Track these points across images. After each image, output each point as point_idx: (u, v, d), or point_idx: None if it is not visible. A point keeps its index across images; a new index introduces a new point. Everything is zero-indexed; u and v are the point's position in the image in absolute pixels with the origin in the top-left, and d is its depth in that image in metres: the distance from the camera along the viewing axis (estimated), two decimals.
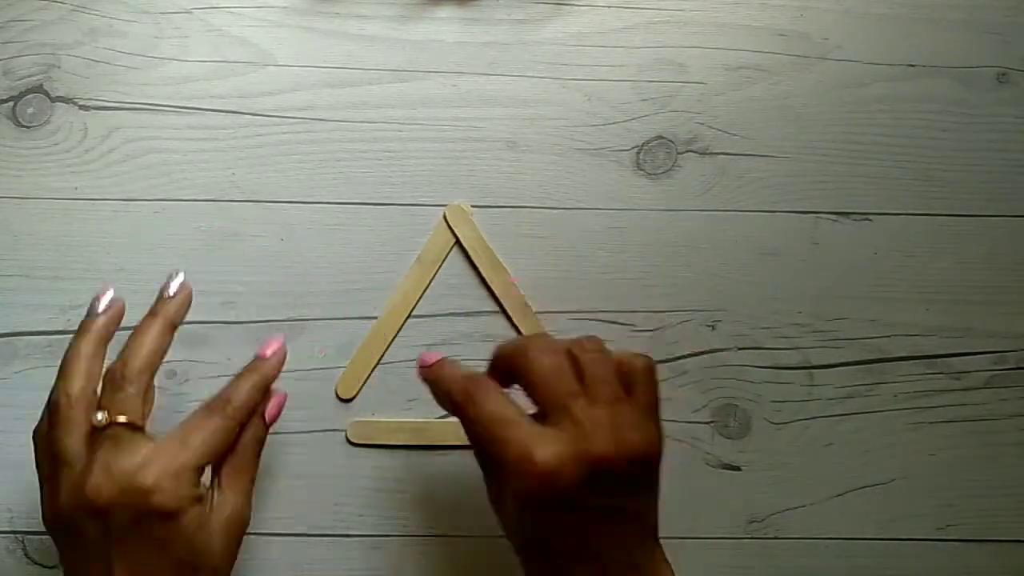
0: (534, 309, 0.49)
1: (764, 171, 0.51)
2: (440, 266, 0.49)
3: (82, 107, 0.50)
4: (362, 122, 0.50)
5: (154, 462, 0.36)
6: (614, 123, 0.51)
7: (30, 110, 0.50)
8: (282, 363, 0.42)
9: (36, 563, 0.46)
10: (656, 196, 0.50)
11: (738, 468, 0.48)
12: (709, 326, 0.49)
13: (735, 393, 0.49)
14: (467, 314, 0.49)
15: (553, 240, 0.50)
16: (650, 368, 0.38)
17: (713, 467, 0.48)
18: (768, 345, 0.49)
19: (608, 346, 0.39)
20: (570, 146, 0.50)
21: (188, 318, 0.48)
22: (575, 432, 0.35)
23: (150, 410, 0.40)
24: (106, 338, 0.40)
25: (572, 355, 0.38)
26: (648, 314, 0.49)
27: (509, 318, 0.49)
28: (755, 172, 0.51)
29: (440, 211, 0.50)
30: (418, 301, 0.49)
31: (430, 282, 0.49)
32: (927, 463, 0.49)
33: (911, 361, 0.49)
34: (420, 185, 0.50)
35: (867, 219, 0.50)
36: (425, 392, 0.42)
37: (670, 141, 0.51)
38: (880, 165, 0.51)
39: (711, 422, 0.48)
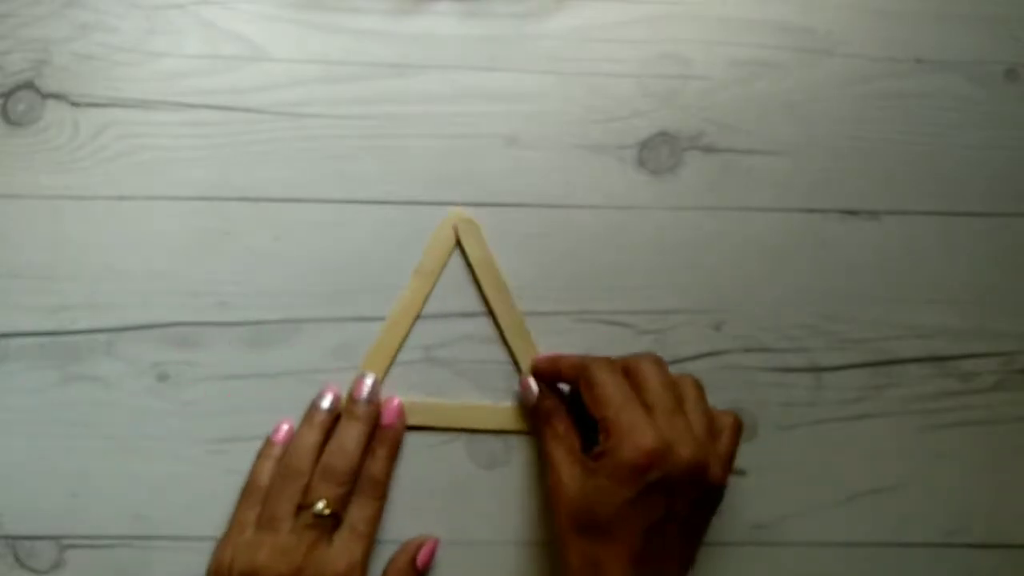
0: (536, 310, 0.48)
1: (770, 168, 0.50)
2: (439, 276, 0.48)
3: (73, 104, 0.49)
4: (358, 118, 0.49)
5: (343, 555, 0.43)
6: (616, 119, 0.50)
7: (21, 107, 0.49)
8: (403, 424, 0.47)
9: (27, 567, 0.46)
10: (659, 194, 0.50)
11: (743, 472, 0.48)
12: (714, 327, 0.48)
13: (740, 396, 0.48)
14: (465, 315, 0.48)
15: (553, 239, 0.49)
16: (737, 427, 0.44)
17: None
18: (774, 347, 0.49)
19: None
20: (571, 143, 0.50)
21: (180, 319, 0.48)
22: (686, 436, 0.41)
23: None
24: (328, 430, 0.46)
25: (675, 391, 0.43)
26: (651, 315, 0.49)
27: (506, 342, 0.48)
28: (760, 169, 0.50)
29: (438, 209, 0.49)
30: (418, 314, 0.48)
31: (430, 293, 0.48)
32: (936, 466, 0.48)
33: (919, 363, 0.49)
34: (417, 183, 0.49)
35: (875, 218, 0.50)
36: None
37: (674, 138, 0.50)
38: (888, 162, 0.50)
39: None
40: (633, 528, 0.40)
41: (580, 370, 0.43)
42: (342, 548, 0.43)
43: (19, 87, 0.49)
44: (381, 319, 0.48)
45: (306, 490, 0.44)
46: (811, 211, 0.50)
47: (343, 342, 0.48)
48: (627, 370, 0.43)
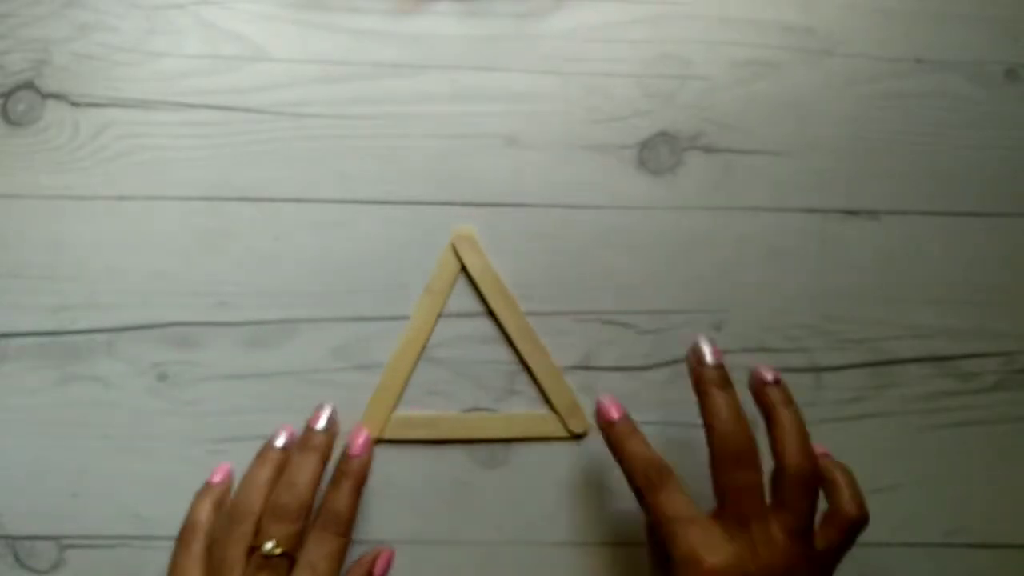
0: (537, 310, 0.48)
1: (770, 168, 0.50)
2: (449, 294, 0.48)
3: (73, 104, 0.49)
4: (358, 118, 0.49)
5: None
6: (616, 119, 0.50)
7: (20, 107, 0.49)
8: (371, 456, 0.45)
9: (27, 567, 0.46)
10: (659, 194, 0.50)
11: None
12: (714, 327, 0.48)
13: (741, 396, 0.48)
14: (465, 315, 0.48)
15: (554, 239, 0.49)
16: (857, 524, 0.41)
17: None
18: (774, 347, 0.48)
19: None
20: (571, 143, 0.50)
21: (180, 318, 0.47)
22: (746, 547, 0.39)
23: None
24: (281, 468, 0.44)
25: (780, 472, 0.40)
26: (651, 315, 0.49)
27: (517, 351, 0.48)
28: (761, 169, 0.50)
29: (438, 209, 0.49)
30: (431, 334, 0.48)
31: (440, 312, 0.48)
32: (936, 467, 0.48)
33: (919, 363, 0.49)
34: (417, 183, 0.49)
35: (875, 218, 0.50)
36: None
37: (674, 138, 0.50)
38: (888, 162, 0.50)
39: None
40: None
41: (642, 480, 0.41)
42: None
43: (19, 87, 0.49)
44: (381, 319, 0.48)
45: (257, 531, 0.42)
46: (811, 211, 0.50)
47: (343, 342, 0.48)
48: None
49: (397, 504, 0.47)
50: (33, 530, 0.46)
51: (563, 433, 0.47)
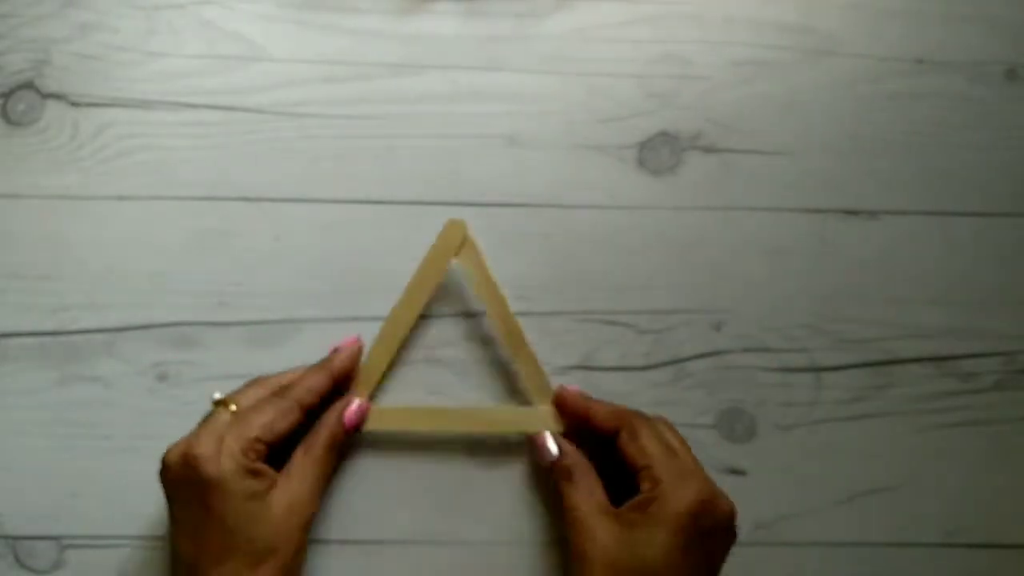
0: (537, 310, 0.48)
1: (770, 168, 0.50)
2: (435, 289, 0.47)
3: (73, 104, 0.49)
4: (358, 118, 0.49)
5: (210, 435, 0.41)
6: (616, 119, 0.50)
7: (20, 107, 0.49)
8: (354, 359, 0.46)
9: (27, 567, 0.46)
10: (659, 194, 0.50)
11: (743, 472, 0.48)
12: (714, 327, 0.48)
13: (741, 396, 0.48)
14: (465, 315, 0.48)
15: (554, 239, 0.49)
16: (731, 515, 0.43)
17: (718, 471, 0.47)
18: (774, 347, 0.48)
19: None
20: (571, 143, 0.50)
21: (180, 319, 0.48)
22: (718, 488, 0.42)
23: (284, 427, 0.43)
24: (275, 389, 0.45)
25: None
26: (651, 315, 0.49)
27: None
28: (761, 169, 0.50)
29: (439, 209, 0.49)
30: (410, 332, 0.47)
31: (424, 306, 0.47)
32: (935, 467, 0.48)
33: (919, 363, 0.49)
34: (418, 183, 0.49)
35: (875, 218, 0.50)
36: None
37: (674, 138, 0.50)
38: (888, 162, 0.50)
39: (716, 426, 0.48)
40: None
41: (622, 420, 0.43)
42: (213, 428, 0.41)
43: (19, 87, 0.49)
44: (381, 319, 0.48)
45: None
46: (811, 211, 0.50)
47: None
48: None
49: (397, 504, 0.47)
50: (33, 530, 0.46)
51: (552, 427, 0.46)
